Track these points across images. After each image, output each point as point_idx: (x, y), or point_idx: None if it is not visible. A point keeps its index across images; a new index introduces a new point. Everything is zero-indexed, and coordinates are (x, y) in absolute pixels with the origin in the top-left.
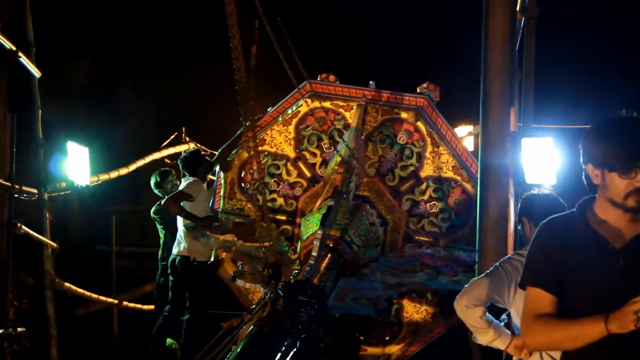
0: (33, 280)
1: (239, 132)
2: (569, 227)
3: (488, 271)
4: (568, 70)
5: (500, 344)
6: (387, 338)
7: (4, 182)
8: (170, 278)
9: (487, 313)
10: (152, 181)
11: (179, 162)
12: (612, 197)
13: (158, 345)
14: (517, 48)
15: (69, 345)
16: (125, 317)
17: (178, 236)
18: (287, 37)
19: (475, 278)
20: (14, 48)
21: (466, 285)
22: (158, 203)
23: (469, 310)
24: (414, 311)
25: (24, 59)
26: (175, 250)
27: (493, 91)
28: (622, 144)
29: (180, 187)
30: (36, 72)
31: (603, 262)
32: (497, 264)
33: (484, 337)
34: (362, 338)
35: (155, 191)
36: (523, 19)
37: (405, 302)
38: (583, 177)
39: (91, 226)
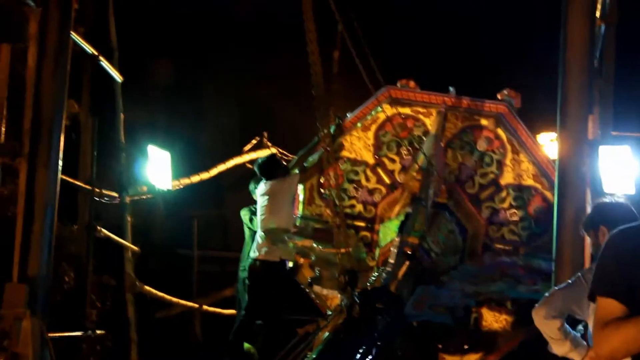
0: (115, 283)
1: (317, 138)
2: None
3: (569, 281)
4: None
5: (576, 356)
6: (465, 347)
7: (84, 186)
8: (247, 282)
9: (565, 324)
10: (251, 187)
11: (255, 167)
12: None
13: (236, 350)
14: (598, 55)
15: (150, 348)
16: (206, 321)
17: (256, 240)
18: (364, 43)
19: (556, 288)
20: (96, 53)
21: (546, 295)
22: (250, 206)
23: (547, 321)
24: (493, 320)
25: (105, 64)
26: (253, 254)
27: (571, 98)
28: None
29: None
30: (118, 77)
31: None
32: (579, 274)
33: (561, 348)
34: (440, 346)
35: (252, 194)
36: (603, 25)
37: (485, 311)
38: None
39: (174, 230)
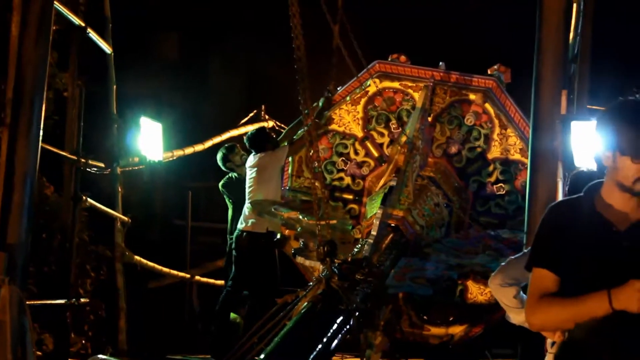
0: (110, 253)
1: (306, 111)
2: (575, 210)
3: (525, 251)
4: (620, 52)
5: None
6: (450, 319)
7: (69, 156)
8: (234, 253)
9: (521, 292)
10: (219, 156)
11: (245, 140)
12: (621, 181)
13: (222, 320)
14: (579, 30)
15: (144, 318)
16: (204, 292)
17: (243, 212)
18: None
19: (512, 257)
20: (83, 24)
21: (502, 264)
22: (227, 177)
23: (503, 289)
24: (478, 292)
25: (93, 35)
26: (240, 226)
27: (545, 73)
28: (635, 128)
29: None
30: (107, 49)
31: (607, 245)
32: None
33: (517, 316)
34: (425, 318)
35: (222, 166)
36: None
37: (470, 284)
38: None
39: (172, 201)
